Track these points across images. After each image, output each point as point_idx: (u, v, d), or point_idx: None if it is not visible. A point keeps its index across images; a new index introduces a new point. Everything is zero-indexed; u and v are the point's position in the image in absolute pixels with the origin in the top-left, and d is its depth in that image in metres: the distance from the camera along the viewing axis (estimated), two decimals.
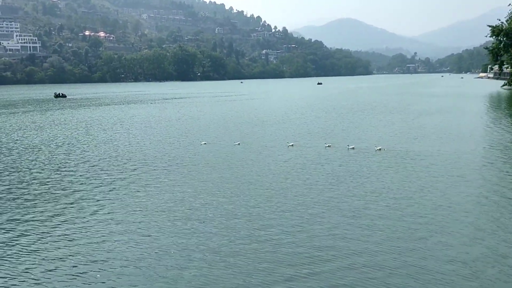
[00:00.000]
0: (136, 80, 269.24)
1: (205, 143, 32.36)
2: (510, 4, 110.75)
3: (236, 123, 45.67)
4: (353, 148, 29.44)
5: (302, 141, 32.99)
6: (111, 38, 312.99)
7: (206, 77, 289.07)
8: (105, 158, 27.90)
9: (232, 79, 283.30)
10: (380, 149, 28.79)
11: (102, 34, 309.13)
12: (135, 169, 24.59)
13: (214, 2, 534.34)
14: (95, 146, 32.99)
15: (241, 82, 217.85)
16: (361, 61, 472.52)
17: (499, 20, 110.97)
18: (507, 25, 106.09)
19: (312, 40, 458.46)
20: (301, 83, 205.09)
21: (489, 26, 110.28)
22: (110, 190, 20.34)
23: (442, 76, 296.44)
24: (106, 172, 24.08)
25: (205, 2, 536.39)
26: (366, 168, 24.06)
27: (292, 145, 30.99)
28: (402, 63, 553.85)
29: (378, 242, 13.96)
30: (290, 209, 17.21)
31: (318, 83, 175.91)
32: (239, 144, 31.83)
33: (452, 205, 17.55)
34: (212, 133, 38.58)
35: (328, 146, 30.27)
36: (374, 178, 21.79)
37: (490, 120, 46.73)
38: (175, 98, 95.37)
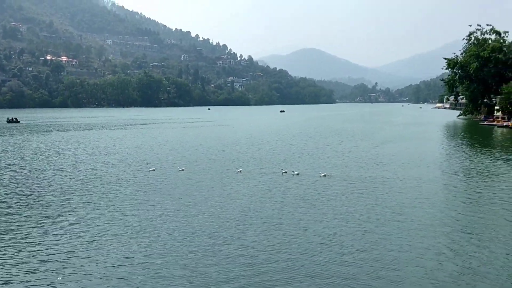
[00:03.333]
0: (99, 105, 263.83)
1: (153, 170, 32.08)
2: (464, 38, 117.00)
3: (193, 150, 45.23)
4: (297, 174, 29.90)
5: (255, 168, 33.22)
6: (73, 63, 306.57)
7: (171, 103, 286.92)
8: (50, 185, 27.01)
9: (197, 105, 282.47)
10: (325, 175, 29.21)
11: (64, 58, 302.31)
12: (79, 195, 24.21)
13: (180, 30, 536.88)
14: (39, 173, 31.67)
15: (209, 109, 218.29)
16: (325, 90, 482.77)
17: (454, 53, 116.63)
18: (461, 58, 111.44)
19: (277, 69, 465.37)
20: (265, 110, 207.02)
21: (445, 58, 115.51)
22: (46, 217, 19.98)
23: (403, 106, 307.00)
24: (46, 200, 23.32)
25: (171, 29, 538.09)
26: (307, 192, 24.48)
27: (240, 171, 31.04)
28: (364, 93, 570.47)
29: (348, 264, 13.91)
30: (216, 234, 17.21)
31: (281, 111, 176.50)
32: (183, 170, 31.70)
33: (420, 225, 18.05)
34: (163, 159, 38.18)
35: (285, 172, 30.64)
36: (318, 202, 22.19)
37: (448, 148, 48.31)
38: (140, 124, 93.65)
